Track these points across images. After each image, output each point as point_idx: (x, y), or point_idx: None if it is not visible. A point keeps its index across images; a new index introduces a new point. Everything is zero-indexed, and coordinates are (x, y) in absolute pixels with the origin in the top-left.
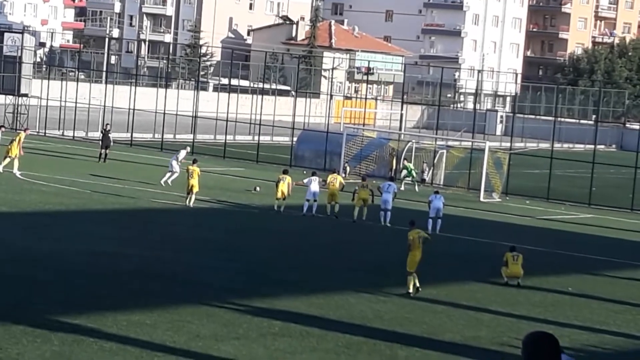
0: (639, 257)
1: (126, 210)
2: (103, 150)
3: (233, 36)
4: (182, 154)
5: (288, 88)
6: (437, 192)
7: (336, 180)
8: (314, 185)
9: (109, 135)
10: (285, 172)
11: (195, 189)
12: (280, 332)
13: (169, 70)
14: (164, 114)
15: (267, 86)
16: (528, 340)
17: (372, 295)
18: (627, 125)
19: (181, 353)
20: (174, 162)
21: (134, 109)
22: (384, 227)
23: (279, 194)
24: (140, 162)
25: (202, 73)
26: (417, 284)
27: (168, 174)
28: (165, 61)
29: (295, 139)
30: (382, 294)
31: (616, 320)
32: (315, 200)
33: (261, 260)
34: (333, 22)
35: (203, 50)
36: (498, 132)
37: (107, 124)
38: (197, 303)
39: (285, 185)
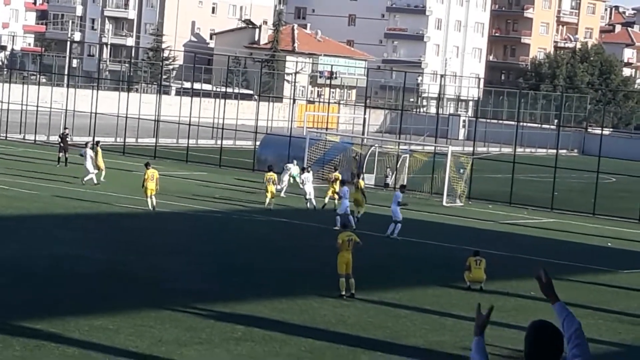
0: (600, 262)
1: (89, 214)
2: (62, 154)
3: (195, 40)
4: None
5: (251, 92)
6: (403, 186)
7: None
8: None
9: (67, 139)
10: (270, 168)
11: (154, 192)
12: (243, 337)
13: (131, 73)
14: (126, 117)
15: (229, 90)
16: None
17: (335, 299)
18: (588, 130)
19: (144, 358)
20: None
21: (95, 113)
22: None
23: (269, 195)
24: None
25: (164, 77)
26: (353, 291)
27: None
28: (127, 65)
29: (258, 143)
30: (345, 299)
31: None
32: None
33: (224, 265)
34: (296, 26)
35: (165, 53)
36: (461, 137)
37: (66, 128)
38: (160, 308)
39: (272, 185)
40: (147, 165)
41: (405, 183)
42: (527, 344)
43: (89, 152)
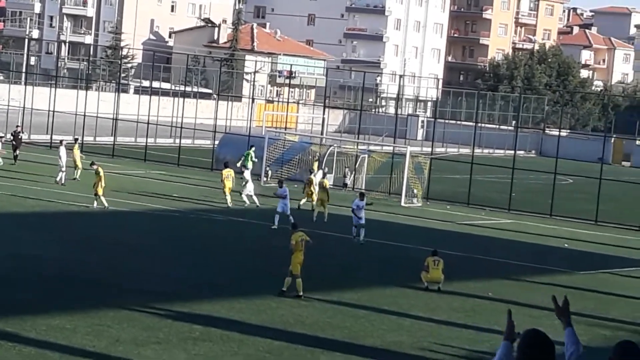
0: (557, 263)
1: (46, 213)
2: (14, 152)
3: (154, 38)
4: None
5: (210, 91)
6: (362, 194)
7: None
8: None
9: (20, 136)
10: (225, 164)
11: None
12: (201, 337)
13: (90, 72)
14: (84, 116)
15: (188, 89)
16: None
17: (293, 299)
18: (546, 131)
19: (101, 358)
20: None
21: (53, 111)
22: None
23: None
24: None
25: (123, 75)
26: (301, 292)
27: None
28: (85, 63)
29: (216, 142)
30: (303, 299)
31: (534, 326)
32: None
33: (182, 264)
34: (255, 25)
35: (124, 52)
36: (419, 137)
37: (18, 126)
38: (118, 307)
39: (229, 181)
40: (92, 163)
41: (363, 190)
42: (519, 352)
43: (62, 150)
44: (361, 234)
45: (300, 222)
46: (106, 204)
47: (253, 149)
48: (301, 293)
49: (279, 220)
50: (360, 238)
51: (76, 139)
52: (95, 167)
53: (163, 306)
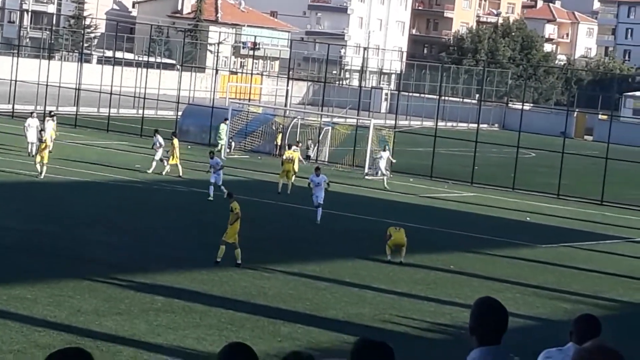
0: (519, 236)
1: (5, 183)
2: None
3: (118, 8)
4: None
5: (173, 62)
6: (317, 169)
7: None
8: None
9: None
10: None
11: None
12: (163, 308)
13: (52, 41)
14: (47, 85)
15: (152, 59)
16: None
17: (255, 271)
18: (509, 104)
19: (62, 328)
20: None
21: (15, 80)
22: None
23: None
24: (21, 135)
25: (85, 45)
26: (239, 261)
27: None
28: (48, 32)
29: (180, 113)
30: (266, 271)
31: (497, 299)
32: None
33: (144, 236)
34: None
35: (87, 21)
36: (383, 110)
37: None
38: (80, 278)
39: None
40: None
41: (318, 165)
42: (473, 318)
43: (34, 122)
44: (318, 215)
45: (267, 194)
46: (42, 174)
47: (227, 121)
48: (240, 261)
49: (213, 190)
50: (317, 219)
51: (51, 113)
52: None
53: (125, 277)
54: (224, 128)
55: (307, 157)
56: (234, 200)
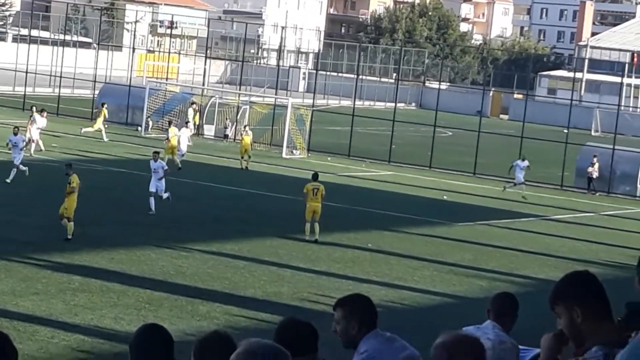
0: (436, 214)
1: None
2: None
3: None
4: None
5: (90, 40)
6: (156, 154)
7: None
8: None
9: None
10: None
11: None
12: (80, 288)
13: None
14: None
15: (68, 38)
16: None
17: (173, 250)
18: (426, 84)
19: None
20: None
21: None
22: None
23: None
24: None
25: (0, 23)
26: (70, 236)
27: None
28: None
29: (97, 92)
30: (184, 250)
31: (414, 276)
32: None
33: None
34: None
35: None
36: (301, 89)
37: None
38: None
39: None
40: None
41: (158, 150)
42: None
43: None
44: (151, 204)
45: (184, 173)
46: None
47: (194, 106)
48: (70, 236)
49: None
50: (152, 208)
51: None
52: None
53: (41, 257)
54: (191, 113)
55: (225, 137)
56: (74, 173)
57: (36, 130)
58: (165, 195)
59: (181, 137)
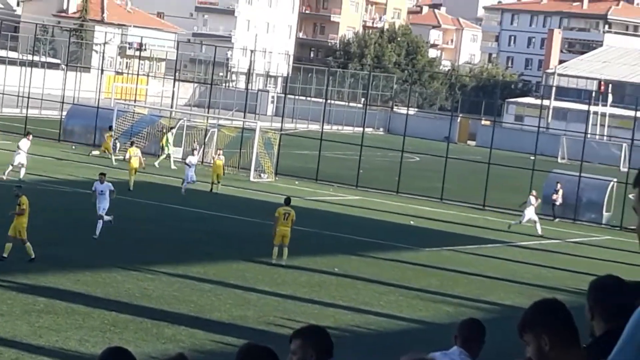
0: (403, 239)
1: None
2: None
3: (2, 6)
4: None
5: (58, 61)
6: (102, 175)
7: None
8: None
9: None
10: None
11: None
12: (45, 309)
13: None
14: None
15: (36, 58)
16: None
17: (139, 272)
18: (394, 109)
19: None
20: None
21: None
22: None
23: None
24: None
25: None
26: (33, 255)
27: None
28: None
29: (64, 113)
30: (150, 272)
31: (380, 301)
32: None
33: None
34: None
35: None
36: (269, 113)
37: None
38: None
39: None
40: None
41: (104, 172)
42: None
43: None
44: (97, 228)
45: (152, 195)
46: None
47: (173, 131)
48: (33, 256)
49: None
50: (96, 232)
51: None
52: None
53: (5, 278)
54: (169, 138)
55: None
56: (23, 195)
57: (24, 154)
58: (107, 218)
59: (190, 162)
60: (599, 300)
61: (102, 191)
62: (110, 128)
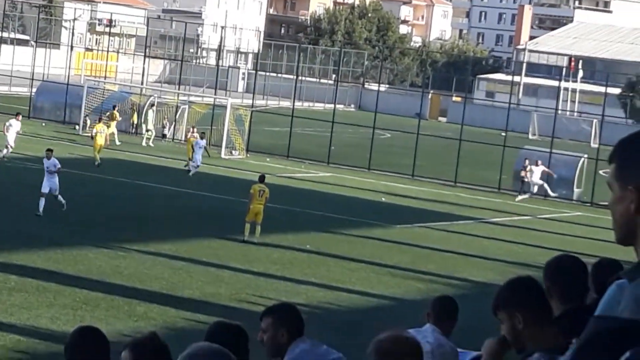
0: (374, 216)
1: None
2: None
3: None
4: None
5: (27, 38)
6: (49, 151)
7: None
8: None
9: None
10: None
11: None
12: (16, 287)
13: None
14: None
15: (5, 35)
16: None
17: (111, 250)
18: (365, 85)
19: None
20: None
21: None
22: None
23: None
24: None
25: None
26: None
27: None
28: None
29: (34, 90)
30: (121, 250)
31: (352, 278)
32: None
33: None
34: None
35: None
36: (240, 89)
37: None
38: None
39: None
40: None
41: (51, 148)
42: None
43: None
44: (40, 205)
45: (121, 172)
46: None
47: (153, 108)
48: None
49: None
50: (40, 210)
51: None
52: None
53: None
54: (150, 115)
55: (164, 136)
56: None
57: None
58: (60, 199)
59: (195, 147)
60: (555, 282)
61: (47, 167)
62: (114, 107)
